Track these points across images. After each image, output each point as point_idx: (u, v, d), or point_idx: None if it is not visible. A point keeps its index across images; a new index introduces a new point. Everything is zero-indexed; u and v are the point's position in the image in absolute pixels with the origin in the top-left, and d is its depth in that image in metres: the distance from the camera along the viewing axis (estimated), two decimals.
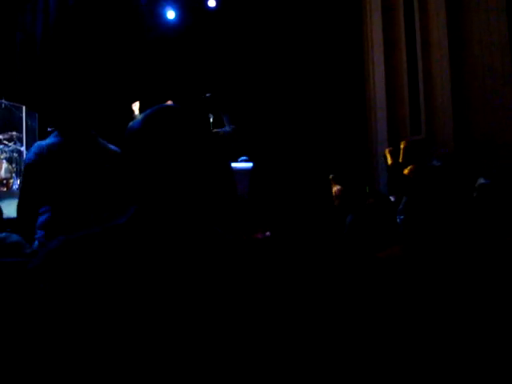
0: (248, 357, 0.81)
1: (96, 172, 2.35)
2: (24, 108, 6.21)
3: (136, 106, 4.45)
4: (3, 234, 2.43)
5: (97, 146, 2.43)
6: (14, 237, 2.43)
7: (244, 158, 4.50)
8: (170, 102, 3.98)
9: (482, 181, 1.86)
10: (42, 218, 2.40)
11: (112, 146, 2.50)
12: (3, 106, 6.08)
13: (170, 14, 7.28)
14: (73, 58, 6.73)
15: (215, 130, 3.83)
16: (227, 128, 3.84)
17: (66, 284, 0.78)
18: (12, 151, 5.93)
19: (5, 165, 5.76)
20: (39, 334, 0.76)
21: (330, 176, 5.49)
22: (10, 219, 3.12)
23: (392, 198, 4.20)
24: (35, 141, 4.58)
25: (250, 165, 4.03)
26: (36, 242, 2.39)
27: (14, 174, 5.79)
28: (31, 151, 2.40)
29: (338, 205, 3.06)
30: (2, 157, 5.75)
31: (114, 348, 0.75)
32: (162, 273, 0.82)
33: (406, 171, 4.19)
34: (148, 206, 0.88)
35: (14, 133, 5.93)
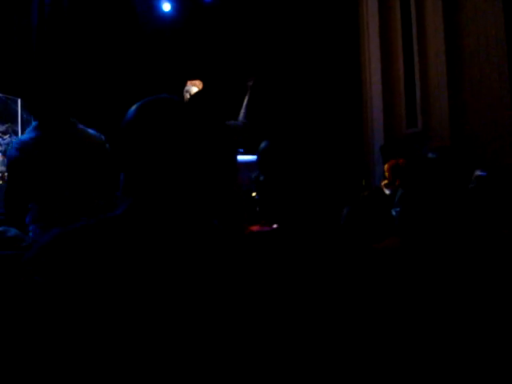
0: (247, 348, 0.81)
1: (79, 161, 2.37)
2: (19, 101, 6.17)
3: (193, 86, 3.54)
4: (1, 228, 2.46)
5: (77, 133, 2.43)
6: (13, 230, 2.46)
7: (240, 150, 4.43)
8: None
9: (478, 173, 1.86)
10: (31, 214, 2.43)
11: (91, 131, 2.51)
12: None
13: (166, 7, 7.23)
14: (68, 50, 6.68)
15: (227, 122, 3.49)
16: (239, 122, 3.63)
17: (61, 276, 0.78)
18: (7, 144, 5.88)
19: (0, 158, 5.72)
20: (35, 326, 0.76)
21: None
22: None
23: (387, 191, 4.21)
24: None
25: (246, 158, 3.99)
26: (31, 234, 2.41)
27: None
28: (13, 147, 2.42)
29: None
30: None
31: (110, 341, 0.75)
32: (158, 265, 0.82)
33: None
34: (144, 198, 0.88)
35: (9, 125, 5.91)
